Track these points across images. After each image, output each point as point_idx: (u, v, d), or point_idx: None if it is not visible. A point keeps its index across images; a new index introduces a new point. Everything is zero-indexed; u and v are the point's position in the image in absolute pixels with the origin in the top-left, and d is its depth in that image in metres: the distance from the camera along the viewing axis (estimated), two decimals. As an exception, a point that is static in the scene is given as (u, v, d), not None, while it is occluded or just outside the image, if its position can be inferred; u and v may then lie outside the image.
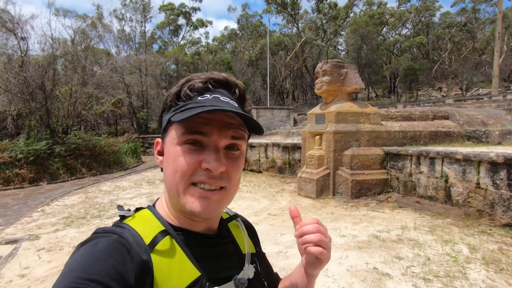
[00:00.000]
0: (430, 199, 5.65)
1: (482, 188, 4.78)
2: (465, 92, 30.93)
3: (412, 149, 6.02)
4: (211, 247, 0.61)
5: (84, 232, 4.67)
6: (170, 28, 35.99)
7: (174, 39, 37.52)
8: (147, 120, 22.86)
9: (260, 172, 10.39)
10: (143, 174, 10.93)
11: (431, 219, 5.01)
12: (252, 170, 10.67)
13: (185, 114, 0.51)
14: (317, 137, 7.03)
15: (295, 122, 19.02)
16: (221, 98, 0.56)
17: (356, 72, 7.00)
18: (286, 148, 9.46)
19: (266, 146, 10.12)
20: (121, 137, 15.50)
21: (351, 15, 37.12)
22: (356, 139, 6.72)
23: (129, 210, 0.61)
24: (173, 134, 0.56)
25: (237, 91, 0.61)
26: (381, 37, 37.75)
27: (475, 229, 4.47)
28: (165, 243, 0.55)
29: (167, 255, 0.53)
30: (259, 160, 10.49)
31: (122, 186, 8.66)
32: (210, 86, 0.58)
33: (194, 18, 38.09)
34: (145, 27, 28.27)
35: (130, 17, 28.17)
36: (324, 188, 6.69)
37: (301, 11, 34.68)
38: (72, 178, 9.91)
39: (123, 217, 0.59)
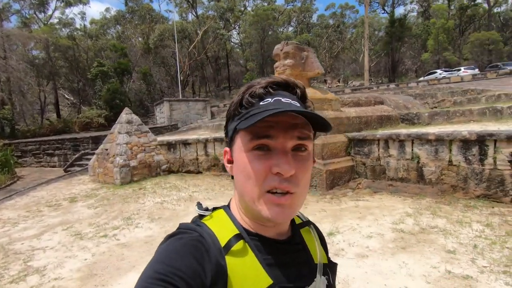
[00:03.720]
0: (402, 180, 5.81)
1: (455, 165, 5.11)
2: (345, 84, 36.48)
3: (380, 133, 6.07)
4: (283, 254, 0.60)
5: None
6: (32, 0, 28.08)
7: (41, 16, 29.55)
8: (13, 120, 17.14)
9: (199, 172, 8.98)
10: (33, 195, 7.79)
11: (416, 200, 5.08)
12: (188, 172, 9.12)
13: (250, 121, 0.52)
14: (282, 127, 6.32)
15: (212, 115, 17.87)
16: (282, 100, 0.55)
17: (315, 56, 6.60)
18: (231, 143, 8.39)
19: (205, 142, 8.77)
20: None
21: (248, 9, 37.95)
22: (323, 127, 6.34)
23: (207, 209, 0.63)
24: (240, 142, 0.57)
25: (298, 91, 0.60)
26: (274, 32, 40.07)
27: (459, 204, 4.71)
28: (239, 247, 0.55)
29: (241, 259, 0.54)
30: (197, 159, 9.04)
31: (6, 219, 5.80)
32: (270, 90, 0.57)
33: (66, -8, 30.92)
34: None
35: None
36: (297, 183, 6.08)
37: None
38: None
39: (201, 216, 0.61)
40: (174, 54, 28.89)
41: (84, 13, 35.15)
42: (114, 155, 8.38)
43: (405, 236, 3.66)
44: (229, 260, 0.53)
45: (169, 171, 9.25)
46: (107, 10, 37.52)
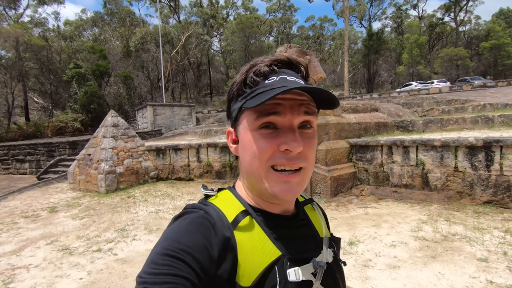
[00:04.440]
0: (406, 187, 5.77)
1: (461, 171, 5.13)
2: (326, 93, 37.18)
3: (383, 139, 6.02)
4: (289, 228, 0.61)
5: None
6: (2, -3, 26.32)
7: (11, 13, 27.74)
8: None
9: (191, 180, 8.52)
10: (4, 205, 6.96)
11: (424, 207, 5.02)
12: (179, 179, 8.63)
13: (259, 99, 0.51)
14: (285, 132, 6.11)
15: (198, 121, 17.36)
16: (288, 78, 0.55)
17: (317, 60, 6.50)
18: (226, 149, 8.06)
19: (198, 147, 8.35)
20: None
21: (230, 17, 37.98)
22: (326, 132, 6.22)
23: (212, 189, 0.64)
24: (246, 121, 0.57)
25: (302, 69, 0.61)
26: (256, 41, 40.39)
27: (468, 210, 4.70)
28: (246, 222, 0.56)
29: (248, 234, 0.55)
30: (188, 166, 8.58)
31: (-26, 232, 5.06)
32: (275, 68, 0.56)
33: (39, -10, 29.37)
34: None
35: None
36: (301, 190, 5.86)
37: (182, 3, 32.59)
38: None
39: (207, 196, 0.63)
40: (154, 59, 28.13)
41: (58, 13, 33.58)
42: (98, 161, 7.74)
43: (430, 245, 3.52)
44: (237, 235, 0.54)
45: (158, 178, 8.71)
46: (83, 11, 36.12)
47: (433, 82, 27.23)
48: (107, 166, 7.58)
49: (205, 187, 0.65)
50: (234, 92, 0.59)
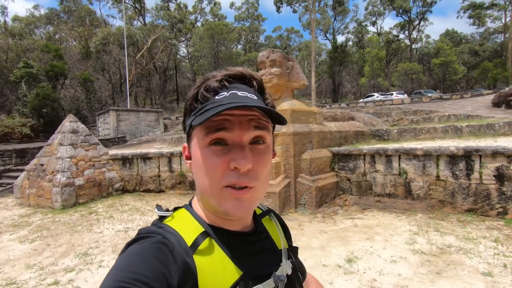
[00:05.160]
0: (389, 196, 5.74)
1: (442, 180, 5.19)
2: (293, 102, 38.10)
3: (366, 148, 5.97)
4: (249, 244, 0.61)
5: None
6: None
7: None
8: None
9: (161, 191, 7.83)
10: None
11: (410, 216, 4.98)
12: (148, 190, 7.89)
13: (205, 116, 0.50)
14: (268, 140, 5.80)
15: (166, 127, 16.45)
16: (238, 93, 0.54)
17: (299, 67, 6.33)
18: (201, 157, 7.53)
19: (170, 156, 7.72)
20: None
21: (198, 23, 37.34)
22: (309, 141, 6.03)
23: (168, 210, 0.62)
24: (196, 138, 0.56)
25: (254, 83, 0.59)
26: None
27: (451, 219, 4.73)
28: (206, 245, 0.54)
29: (209, 257, 0.53)
30: (159, 176, 7.89)
31: None
32: (226, 83, 0.56)
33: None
34: None
35: None
36: (286, 202, 5.56)
37: (147, 6, 31.35)
38: None
39: (162, 217, 0.60)
40: (117, 61, 26.50)
41: (6, 8, 30.43)
42: (53, 172, 6.78)
43: (430, 259, 3.38)
44: (197, 259, 0.52)
45: (124, 191, 7.89)
46: (35, 7, 33.34)
47: (392, 94, 29.00)
48: (64, 178, 6.65)
49: (159, 208, 0.62)
50: (187, 107, 0.59)
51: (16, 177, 8.31)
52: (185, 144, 0.62)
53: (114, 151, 9.17)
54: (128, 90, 18.48)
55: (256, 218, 0.68)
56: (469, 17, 40.28)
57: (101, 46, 22.30)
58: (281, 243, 0.68)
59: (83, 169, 7.12)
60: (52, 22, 30.68)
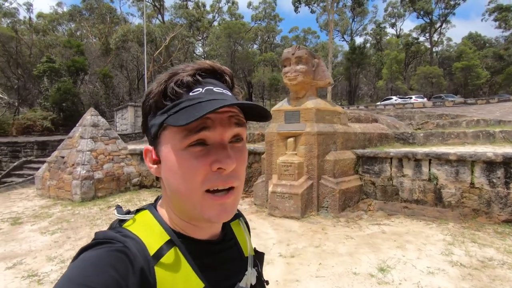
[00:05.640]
0: (417, 202, 5.45)
1: (477, 188, 4.87)
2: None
3: (394, 151, 5.70)
4: (216, 254, 0.58)
5: None
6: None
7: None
8: None
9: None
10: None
11: (441, 225, 4.69)
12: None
13: (190, 115, 0.45)
14: (290, 139, 5.63)
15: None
16: (214, 89, 0.51)
17: (325, 65, 6.12)
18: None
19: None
20: None
21: (215, 23, 37.47)
22: (334, 142, 5.81)
23: (129, 211, 0.57)
24: (170, 140, 0.50)
25: (227, 78, 0.56)
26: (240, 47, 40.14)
27: (487, 229, 4.42)
28: (170, 255, 0.51)
29: (171, 269, 0.50)
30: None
31: None
32: (199, 78, 0.51)
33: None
34: None
35: None
36: (308, 204, 5.36)
37: (166, 4, 31.71)
38: None
39: (122, 221, 0.54)
40: (135, 59, 26.90)
41: (31, 5, 31.40)
42: (73, 165, 6.81)
43: (472, 272, 3.12)
44: (158, 270, 0.48)
45: (141, 186, 7.88)
46: (58, 4, 34.20)
47: (411, 97, 28.20)
48: (84, 171, 6.67)
49: (119, 209, 0.56)
50: (152, 105, 0.51)
51: (37, 169, 8.44)
52: (149, 147, 0.56)
53: (132, 146, 9.20)
54: (146, 87, 18.66)
55: (226, 223, 0.64)
56: (495, 20, 38.84)
57: (120, 43, 22.67)
58: (248, 250, 0.67)
59: (102, 163, 7.14)
60: (74, 19, 31.47)
